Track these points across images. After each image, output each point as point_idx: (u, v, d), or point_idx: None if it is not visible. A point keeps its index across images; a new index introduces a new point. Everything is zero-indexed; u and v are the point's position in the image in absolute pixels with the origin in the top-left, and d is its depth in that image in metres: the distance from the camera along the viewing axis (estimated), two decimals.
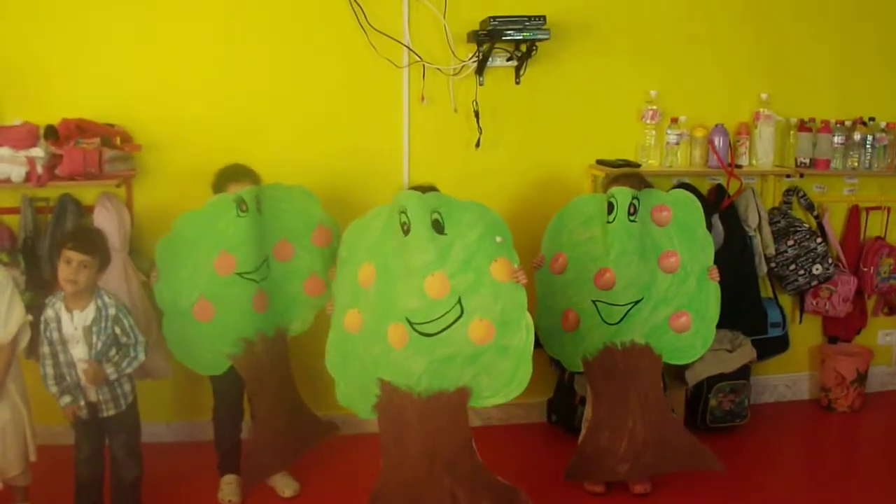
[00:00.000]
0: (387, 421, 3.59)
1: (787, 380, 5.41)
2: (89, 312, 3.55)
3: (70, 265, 3.48)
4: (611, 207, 3.94)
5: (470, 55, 4.59)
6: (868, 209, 5.28)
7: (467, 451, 3.59)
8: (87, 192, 4.30)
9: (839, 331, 5.37)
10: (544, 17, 4.41)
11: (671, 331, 4.02)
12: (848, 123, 4.94)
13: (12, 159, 3.96)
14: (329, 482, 4.29)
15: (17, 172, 3.96)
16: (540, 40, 4.48)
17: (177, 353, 3.96)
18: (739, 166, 4.88)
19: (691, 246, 4.00)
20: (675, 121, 4.78)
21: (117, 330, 3.60)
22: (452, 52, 4.58)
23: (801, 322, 5.30)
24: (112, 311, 3.59)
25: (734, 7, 4.90)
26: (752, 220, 4.87)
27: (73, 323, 3.54)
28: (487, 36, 4.41)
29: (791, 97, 4.99)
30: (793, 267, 4.95)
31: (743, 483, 4.25)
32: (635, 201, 3.91)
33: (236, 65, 4.46)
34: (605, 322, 4.03)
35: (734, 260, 4.67)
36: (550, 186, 4.79)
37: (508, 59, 4.62)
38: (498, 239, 3.49)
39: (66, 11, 4.28)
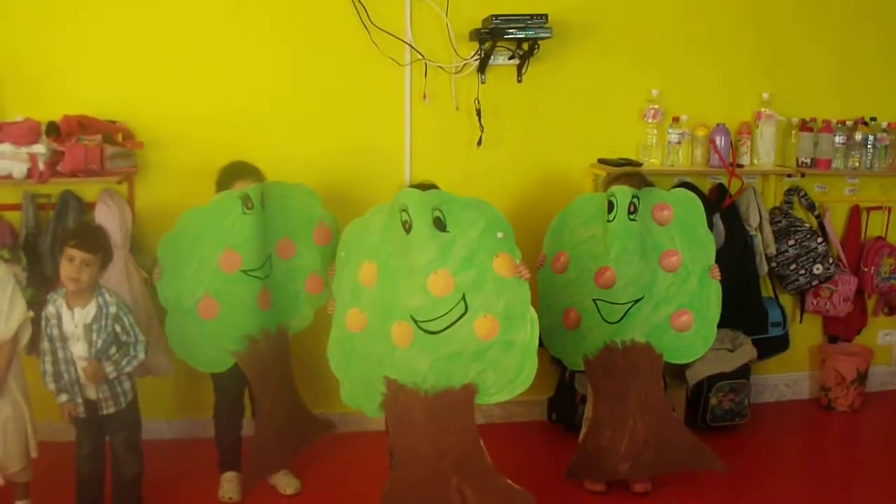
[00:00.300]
0: (394, 419, 3.60)
1: (787, 379, 5.42)
2: (90, 310, 3.55)
3: (73, 263, 3.48)
4: (611, 206, 3.94)
5: (472, 53, 4.59)
6: (869, 209, 5.28)
7: (475, 449, 3.59)
8: (88, 189, 4.29)
9: (839, 330, 5.38)
10: (546, 15, 4.41)
11: (672, 330, 4.03)
12: (849, 123, 4.95)
13: (14, 156, 3.95)
14: (329, 480, 4.29)
15: (19, 169, 3.96)
16: (542, 39, 4.48)
17: (179, 350, 3.95)
18: (741, 166, 4.88)
19: (692, 245, 4.00)
20: (676, 120, 4.78)
21: (117, 328, 3.60)
22: (454, 51, 4.58)
23: (801, 321, 5.31)
24: (113, 309, 3.59)
25: (736, 7, 4.90)
26: (754, 220, 4.87)
27: (73, 320, 3.54)
28: (489, 34, 4.41)
29: (793, 97, 4.99)
30: (793, 266, 4.95)
31: (743, 482, 4.26)
32: (635, 200, 3.91)
33: (238, 62, 4.46)
34: (606, 321, 4.04)
35: (735, 259, 4.68)
36: (552, 185, 4.80)
37: (510, 58, 4.62)
38: (499, 235, 3.50)
39: (68, 9, 4.28)
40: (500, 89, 4.68)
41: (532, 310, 3.50)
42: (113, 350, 3.60)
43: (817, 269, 4.94)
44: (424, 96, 4.61)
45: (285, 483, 4.16)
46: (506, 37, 4.41)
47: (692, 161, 4.88)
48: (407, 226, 3.40)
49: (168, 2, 4.37)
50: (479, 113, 4.64)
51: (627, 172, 4.21)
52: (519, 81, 4.68)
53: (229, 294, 3.88)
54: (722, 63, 4.92)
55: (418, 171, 4.57)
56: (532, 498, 3.56)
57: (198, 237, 3.83)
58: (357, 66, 4.54)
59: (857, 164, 4.97)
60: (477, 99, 4.64)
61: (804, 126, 4.94)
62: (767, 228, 4.91)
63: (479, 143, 4.68)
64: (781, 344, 5.08)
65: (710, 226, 4.10)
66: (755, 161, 4.94)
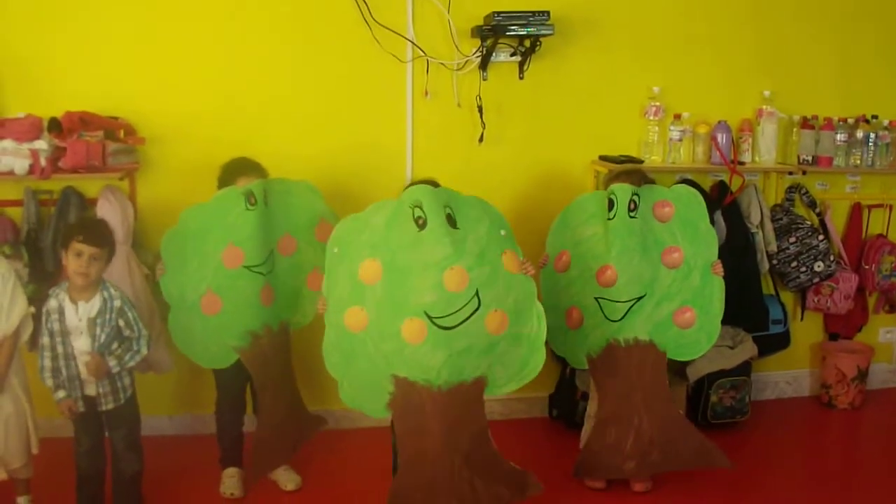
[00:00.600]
0: (403, 417, 3.59)
1: (788, 376, 5.42)
2: (94, 304, 3.55)
3: (81, 258, 3.48)
4: (611, 204, 3.94)
5: (474, 50, 4.59)
6: (870, 207, 5.29)
7: (484, 440, 3.64)
8: (90, 185, 4.29)
9: (840, 328, 5.38)
10: (548, 12, 4.41)
11: (675, 327, 4.03)
12: (851, 121, 4.95)
13: (16, 152, 3.95)
14: (330, 476, 4.30)
15: (21, 165, 3.95)
16: (544, 36, 4.48)
17: (182, 346, 3.95)
18: (742, 163, 4.88)
19: (694, 241, 4.00)
20: (678, 117, 4.78)
21: (121, 322, 3.60)
22: (456, 47, 4.58)
23: (802, 319, 5.31)
24: (117, 303, 3.59)
25: (738, 4, 4.91)
26: (755, 217, 4.88)
27: (77, 314, 3.53)
28: (491, 31, 4.41)
29: (794, 94, 5.00)
30: (794, 264, 4.96)
31: (743, 480, 4.25)
32: (635, 198, 3.92)
33: (240, 59, 4.46)
34: (608, 319, 4.03)
35: (736, 257, 4.67)
36: (553, 182, 4.80)
37: (512, 55, 4.62)
38: (502, 232, 3.58)
39: (70, 5, 4.28)
40: (501, 86, 4.68)
41: (538, 304, 3.60)
42: (115, 345, 3.60)
43: (818, 266, 4.94)
44: (426, 93, 4.61)
45: (286, 479, 4.16)
46: (508, 34, 4.41)
47: (693, 158, 4.88)
48: (420, 222, 3.41)
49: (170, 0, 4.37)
50: (480, 110, 4.65)
51: (628, 170, 4.21)
52: (521, 78, 4.68)
53: (232, 290, 3.88)
54: (723, 60, 4.92)
55: (420, 168, 4.57)
56: (531, 474, 3.64)
57: (201, 233, 3.82)
58: (359, 62, 4.54)
59: (858, 161, 4.97)
60: (479, 96, 4.64)
61: (805, 123, 4.94)
62: (769, 226, 4.91)
63: (481, 139, 4.68)
64: (782, 341, 5.09)
65: (712, 223, 4.10)
66: (756, 158, 4.94)
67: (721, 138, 4.79)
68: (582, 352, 4.15)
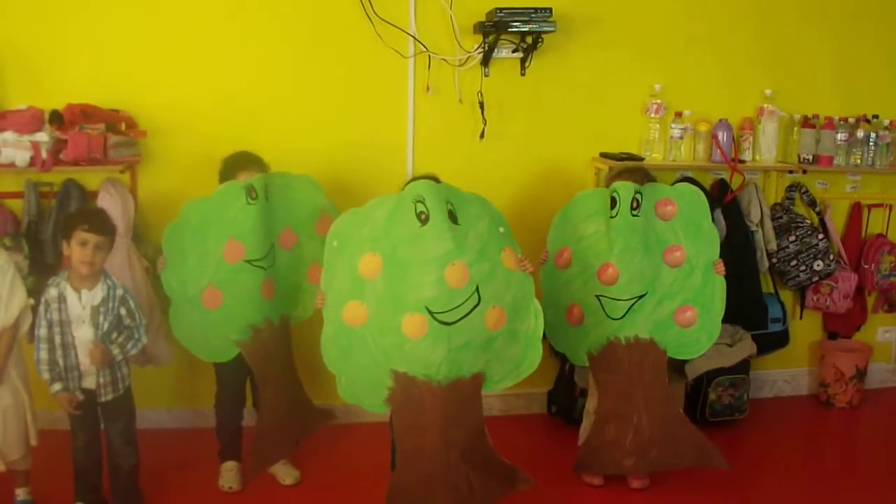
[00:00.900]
0: (402, 413, 3.59)
1: (786, 375, 5.43)
2: (98, 292, 3.56)
3: (86, 247, 3.48)
4: (613, 202, 3.93)
5: (476, 46, 4.59)
6: (870, 206, 5.29)
7: (481, 435, 3.64)
8: (91, 178, 4.29)
9: (839, 327, 5.38)
10: (550, 9, 4.41)
11: (676, 325, 4.03)
12: (851, 121, 4.95)
13: (17, 144, 3.95)
14: (328, 470, 4.30)
15: (22, 157, 3.96)
16: (546, 32, 4.48)
17: (183, 340, 3.95)
18: (742, 161, 4.89)
19: (696, 239, 4.00)
20: (679, 115, 4.78)
21: (122, 311, 3.61)
22: (458, 43, 4.59)
23: (801, 318, 5.31)
24: (119, 291, 3.61)
25: (740, 3, 4.91)
26: (755, 216, 4.88)
27: (80, 302, 3.54)
28: (493, 27, 4.41)
29: (795, 93, 5.00)
30: (794, 263, 4.96)
31: (741, 478, 4.25)
32: (638, 196, 3.91)
33: (242, 53, 4.46)
34: (609, 317, 4.04)
35: (736, 255, 4.67)
36: (554, 178, 4.80)
37: (514, 51, 4.61)
38: (501, 230, 3.59)
39: None
40: (503, 82, 4.68)
41: (536, 301, 3.61)
42: (115, 334, 3.61)
43: (818, 265, 4.95)
44: (428, 89, 4.61)
45: (285, 473, 4.17)
46: (510, 30, 4.41)
47: (694, 156, 4.88)
48: (423, 217, 3.41)
49: None
50: (482, 106, 4.65)
51: (630, 168, 4.21)
52: (522, 75, 4.68)
53: (233, 284, 3.88)
54: (725, 59, 4.92)
55: (421, 164, 4.58)
56: (520, 469, 3.64)
57: (202, 227, 3.82)
58: (361, 57, 4.54)
59: (858, 161, 4.97)
60: (480, 92, 4.64)
61: (806, 122, 4.95)
62: (768, 224, 4.92)
63: (482, 136, 4.68)
64: (781, 340, 5.10)
65: (712, 221, 4.10)
66: (757, 157, 4.94)
67: (722, 136, 4.79)
68: (582, 349, 4.15)
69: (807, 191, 5.14)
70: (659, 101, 4.77)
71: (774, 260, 4.97)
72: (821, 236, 4.98)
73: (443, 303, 3.44)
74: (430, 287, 3.43)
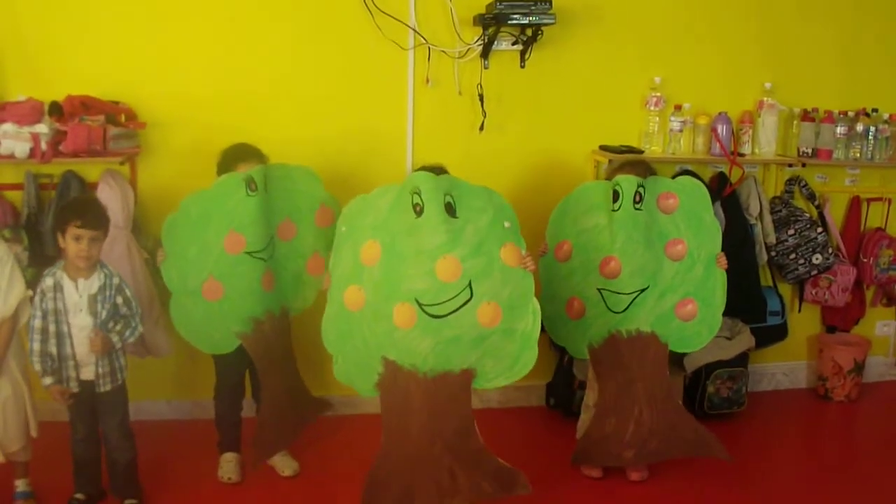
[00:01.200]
0: (390, 399, 3.60)
1: (784, 368, 5.44)
2: (94, 281, 3.56)
3: (81, 242, 3.48)
4: (616, 196, 3.93)
5: (475, 38, 4.59)
6: (869, 200, 5.30)
7: (469, 431, 3.61)
8: (90, 169, 4.29)
9: (838, 320, 5.40)
10: (550, 1, 4.40)
11: (677, 319, 4.03)
12: (851, 114, 4.95)
13: (16, 135, 3.95)
14: (327, 461, 4.31)
15: (21, 148, 3.96)
16: (545, 25, 4.47)
17: (184, 332, 3.95)
18: (742, 154, 4.89)
19: (698, 233, 4.00)
20: (678, 108, 4.78)
21: (119, 300, 3.61)
22: (458, 35, 4.58)
23: (800, 311, 5.33)
24: (116, 280, 3.61)
25: None
26: (754, 209, 4.89)
27: (77, 291, 3.54)
28: (493, 19, 4.41)
29: (795, 87, 5.00)
30: (793, 256, 4.97)
31: (739, 470, 4.26)
32: (641, 189, 3.91)
33: (241, 44, 4.45)
34: (611, 310, 4.04)
35: (735, 248, 4.65)
36: (553, 171, 4.81)
37: (514, 44, 4.61)
38: (506, 224, 3.53)
39: None
40: (502, 75, 4.68)
41: (535, 301, 3.54)
42: (112, 323, 3.61)
43: (816, 258, 4.95)
44: (427, 81, 4.60)
45: (284, 464, 4.18)
46: (509, 22, 4.40)
47: (693, 149, 4.88)
48: (418, 209, 3.40)
49: None
50: (481, 98, 4.65)
51: (632, 161, 4.21)
52: (522, 67, 4.67)
53: (234, 276, 3.89)
54: (725, 52, 4.92)
55: (420, 155, 4.57)
56: (522, 474, 3.58)
57: (202, 219, 3.82)
58: (360, 49, 4.53)
59: (857, 154, 4.98)
60: (480, 84, 4.64)
61: (806, 116, 4.95)
62: (767, 218, 4.92)
63: (482, 128, 4.68)
64: (780, 333, 5.11)
65: None
66: (756, 150, 4.95)
67: (721, 129, 4.79)
68: (583, 342, 4.15)
69: (806, 184, 5.14)
70: (658, 93, 4.77)
71: (773, 253, 4.98)
72: (820, 230, 4.99)
73: (432, 295, 3.44)
74: (421, 279, 3.44)
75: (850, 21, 5.06)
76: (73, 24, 4.29)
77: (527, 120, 4.78)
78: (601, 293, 4.04)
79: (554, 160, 4.82)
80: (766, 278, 5.15)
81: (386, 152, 4.65)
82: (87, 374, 3.61)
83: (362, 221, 3.57)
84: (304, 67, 4.54)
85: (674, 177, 4.35)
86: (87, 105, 4.09)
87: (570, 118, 4.81)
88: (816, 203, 5.18)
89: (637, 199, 3.90)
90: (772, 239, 4.93)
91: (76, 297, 3.54)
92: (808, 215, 5.03)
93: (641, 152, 4.67)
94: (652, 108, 4.78)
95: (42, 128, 3.98)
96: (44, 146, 3.96)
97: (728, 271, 4.05)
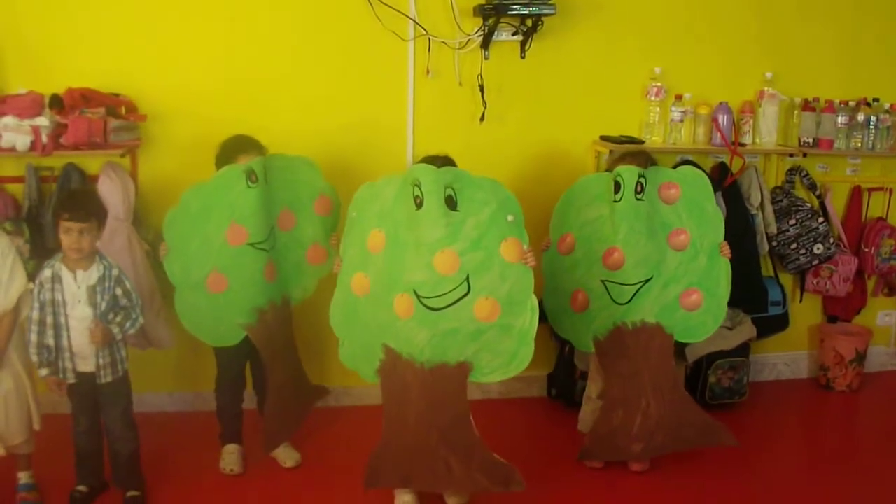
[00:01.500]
0: (389, 385, 3.63)
1: (786, 358, 5.44)
2: (93, 272, 3.55)
3: (70, 235, 3.48)
4: (617, 187, 3.91)
5: (476, 29, 4.58)
6: (870, 190, 5.30)
7: (464, 423, 3.61)
8: (91, 162, 4.29)
9: (839, 310, 5.40)
10: None
11: (682, 309, 4.02)
12: (852, 104, 4.95)
13: (17, 128, 3.94)
14: (328, 452, 4.32)
15: (22, 141, 3.95)
16: (546, 15, 4.47)
17: (189, 325, 3.95)
18: (743, 144, 4.88)
19: (701, 223, 3.99)
20: (679, 98, 4.78)
21: (119, 291, 3.60)
22: (458, 26, 4.57)
23: (801, 301, 5.33)
24: (115, 271, 3.60)
25: None
26: (755, 199, 4.89)
27: (76, 282, 3.54)
28: (493, 10, 4.40)
29: (796, 76, 4.99)
30: (794, 246, 4.97)
31: (740, 460, 4.27)
32: (642, 180, 3.90)
33: (242, 37, 4.45)
34: (615, 302, 4.03)
35: (736, 238, 4.63)
36: (554, 161, 4.80)
37: (514, 34, 4.61)
38: (509, 218, 3.49)
39: None
40: (503, 65, 4.68)
41: (534, 297, 3.52)
42: (112, 315, 3.61)
43: (818, 248, 4.95)
44: (428, 72, 4.60)
45: (286, 455, 4.18)
46: (510, 13, 4.40)
47: (694, 139, 4.88)
48: (418, 201, 3.40)
49: None
50: (482, 89, 4.64)
51: (633, 151, 4.20)
52: (522, 58, 4.67)
53: (237, 267, 3.89)
54: (725, 42, 4.91)
55: (421, 146, 4.56)
56: (516, 471, 3.58)
57: (203, 212, 3.82)
58: (360, 40, 4.53)
59: (858, 144, 4.97)
60: (480, 75, 4.63)
61: (807, 106, 4.94)
62: (769, 208, 4.92)
63: (482, 119, 4.68)
64: (781, 323, 5.11)
65: None
66: (757, 140, 4.94)
67: (722, 119, 4.79)
68: (588, 334, 4.14)
69: (807, 174, 5.13)
70: (659, 83, 4.76)
71: (774, 243, 4.98)
72: (821, 220, 4.99)
73: (429, 288, 3.45)
74: (420, 271, 3.44)
75: (851, 11, 5.05)
76: (73, 17, 4.28)
77: (527, 110, 4.77)
78: (605, 285, 4.03)
79: (554, 151, 4.82)
80: (767, 268, 5.15)
81: (386, 143, 4.64)
82: (87, 365, 3.60)
83: (370, 209, 3.60)
84: (304, 59, 4.53)
85: (675, 167, 4.34)
86: (87, 97, 4.09)
87: (570, 108, 4.80)
88: (817, 193, 5.17)
89: (639, 189, 3.89)
90: (773, 229, 4.93)
91: (74, 288, 3.53)
92: (809, 205, 5.03)
93: (642, 142, 4.67)
94: (652, 98, 4.77)
95: (43, 120, 3.97)
96: (44, 139, 3.96)
97: (730, 261, 4.05)
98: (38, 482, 3.82)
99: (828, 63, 5.07)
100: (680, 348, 4.57)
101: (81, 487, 3.76)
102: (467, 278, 3.46)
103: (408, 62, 4.60)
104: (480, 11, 4.46)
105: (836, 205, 5.27)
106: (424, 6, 4.53)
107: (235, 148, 3.92)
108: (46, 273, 3.55)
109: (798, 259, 5.00)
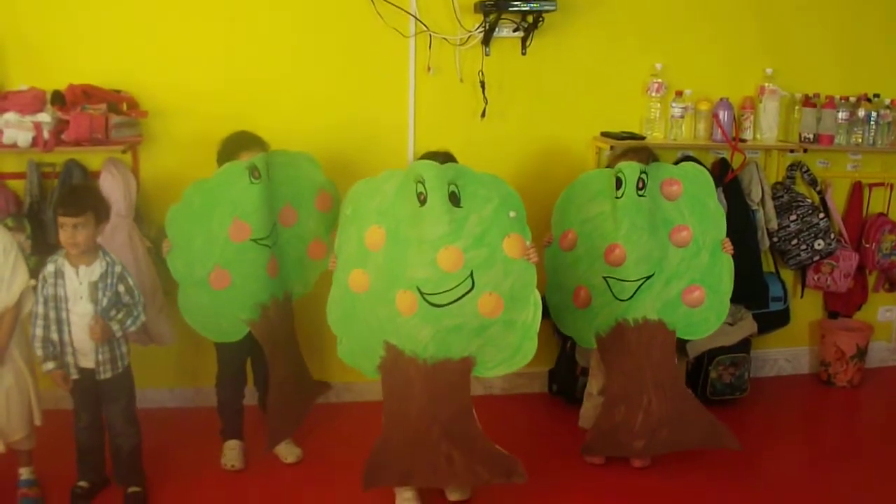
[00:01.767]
0: (391, 382, 3.63)
1: (787, 354, 5.45)
2: (96, 268, 3.56)
3: (66, 230, 3.48)
4: (619, 183, 3.92)
5: (476, 25, 4.58)
6: (871, 185, 5.29)
7: (467, 416, 3.63)
8: (93, 158, 4.30)
9: (840, 306, 5.40)
10: None
11: (684, 305, 4.02)
12: (853, 99, 4.94)
13: (19, 124, 3.96)
14: (329, 448, 4.32)
15: (24, 137, 3.96)
16: (546, 11, 4.46)
17: (193, 322, 3.95)
18: (743, 140, 4.88)
19: (703, 219, 3.99)
20: (679, 94, 4.78)
21: (121, 288, 3.60)
22: (459, 22, 4.57)
23: (802, 297, 5.32)
24: (118, 268, 3.60)
25: None
26: (756, 195, 4.88)
27: (78, 278, 3.54)
28: (494, 6, 4.40)
29: (796, 72, 4.99)
30: (795, 242, 4.97)
31: (741, 456, 4.24)
32: (644, 176, 3.89)
33: (243, 33, 4.45)
34: (617, 298, 4.03)
35: (737, 234, 4.62)
36: (555, 158, 4.80)
37: (515, 30, 4.61)
38: (512, 214, 3.52)
39: None
40: (504, 62, 4.68)
41: (536, 292, 3.55)
42: (114, 311, 3.61)
43: (819, 244, 4.95)
44: (429, 68, 4.60)
45: (287, 451, 4.19)
46: (510, 9, 4.39)
47: (695, 135, 4.88)
48: (422, 197, 3.41)
49: None
50: (482, 85, 4.64)
51: (634, 147, 4.19)
52: (523, 54, 4.67)
53: (240, 263, 3.89)
54: (726, 37, 4.91)
55: (422, 143, 4.56)
56: (519, 462, 3.58)
57: (206, 209, 3.82)
58: (361, 37, 4.53)
59: (859, 140, 4.97)
60: (481, 71, 4.64)
61: (807, 101, 4.94)
62: (769, 203, 4.92)
63: (483, 115, 4.68)
64: (782, 319, 5.11)
65: None
66: (758, 136, 4.94)
67: (723, 115, 4.79)
68: (590, 331, 4.14)
69: (808, 170, 5.13)
70: (660, 80, 4.76)
71: (775, 239, 4.98)
72: (822, 215, 4.98)
73: (433, 285, 3.46)
74: (424, 268, 3.45)
75: (851, 6, 5.04)
76: (74, 14, 4.28)
77: (528, 107, 4.77)
78: (607, 281, 4.03)
79: (555, 147, 4.82)
80: (768, 264, 5.15)
81: (387, 140, 4.64)
82: (88, 362, 3.61)
83: (368, 205, 3.59)
84: (305, 56, 4.53)
85: (675, 163, 4.33)
86: (88, 94, 4.10)
87: (571, 105, 4.80)
88: (818, 188, 5.17)
89: (640, 185, 3.89)
90: (774, 225, 4.93)
91: (76, 283, 3.54)
92: (809, 201, 5.03)
93: (643, 139, 4.67)
94: (653, 94, 4.78)
95: (44, 117, 3.98)
96: (46, 135, 3.97)
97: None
98: (39, 478, 3.82)
99: (828, 59, 5.06)
100: (681, 344, 4.58)
101: (83, 483, 3.76)
102: (471, 274, 3.47)
103: (409, 59, 4.60)
104: (481, 8, 4.46)
105: (837, 200, 5.27)
106: (425, 3, 4.53)
107: (238, 144, 3.92)
108: (49, 268, 3.55)
109: (799, 255, 5.00)
